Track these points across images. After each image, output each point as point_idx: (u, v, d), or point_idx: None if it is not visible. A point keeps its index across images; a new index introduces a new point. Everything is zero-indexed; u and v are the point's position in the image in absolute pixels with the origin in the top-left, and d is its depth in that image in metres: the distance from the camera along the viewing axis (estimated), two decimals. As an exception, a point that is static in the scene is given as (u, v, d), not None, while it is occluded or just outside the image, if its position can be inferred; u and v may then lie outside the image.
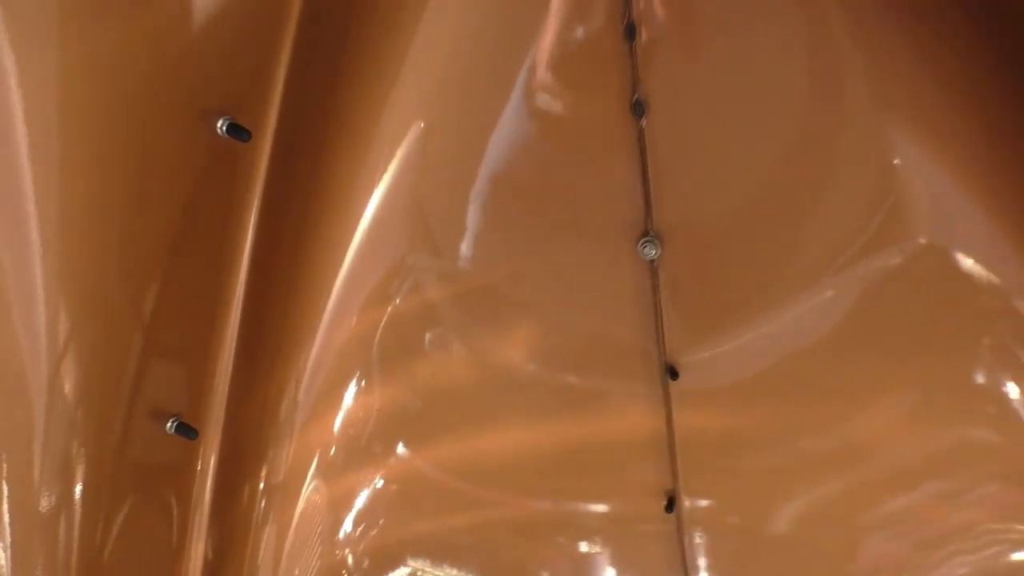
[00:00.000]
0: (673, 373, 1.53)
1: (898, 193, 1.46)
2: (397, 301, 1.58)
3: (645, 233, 1.50)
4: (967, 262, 1.50)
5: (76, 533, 1.45)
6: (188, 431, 1.54)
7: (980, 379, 1.58)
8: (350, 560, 1.79)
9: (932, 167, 1.46)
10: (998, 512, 1.66)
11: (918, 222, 1.49)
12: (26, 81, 1.10)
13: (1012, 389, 1.56)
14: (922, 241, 1.50)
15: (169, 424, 1.54)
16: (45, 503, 1.40)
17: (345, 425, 1.68)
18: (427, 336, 1.62)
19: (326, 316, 1.56)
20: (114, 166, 1.26)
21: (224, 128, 1.36)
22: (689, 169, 1.47)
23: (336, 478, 1.73)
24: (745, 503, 1.64)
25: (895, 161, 1.44)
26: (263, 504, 1.70)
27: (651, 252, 1.49)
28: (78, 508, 1.44)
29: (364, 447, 1.72)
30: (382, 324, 1.60)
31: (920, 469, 1.66)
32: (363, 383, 1.66)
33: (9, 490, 1.36)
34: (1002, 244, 1.46)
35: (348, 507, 1.75)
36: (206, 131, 1.36)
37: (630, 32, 1.36)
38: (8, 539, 1.36)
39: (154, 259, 1.42)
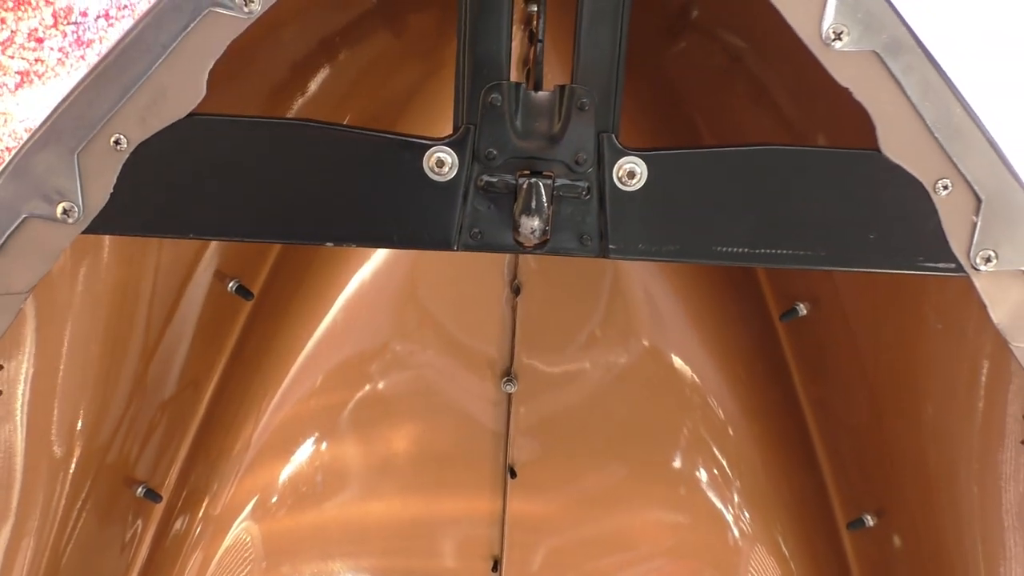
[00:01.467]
0: (512, 473, 2.20)
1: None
2: (335, 393, 2.16)
3: (507, 372, 2.19)
4: (676, 361, 2.21)
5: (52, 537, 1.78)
6: (154, 496, 2.00)
7: (677, 464, 2.25)
8: None
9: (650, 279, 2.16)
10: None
11: (641, 326, 2.19)
12: None
13: (701, 473, 2.24)
14: (645, 343, 2.22)
15: (139, 490, 1.98)
16: (30, 525, 1.76)
17: (282, 486, 2.19)
18: (346, 423, 2.20)
19: (286, 383, 2.11)
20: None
21: (234, 289, 1.96)
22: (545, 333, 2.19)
23: (268, 522, 2.20)
24: (541, 566, 2.29)
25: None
26: (197, 531, 2.13)
27: (509, 388, 2.18)
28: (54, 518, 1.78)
29: (296, 499, 2.22)
30: (325, 409, 2.16)
31: (625, 542, 2.31)
32: (301, 454, 2.19)
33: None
34: (699, 348, 2.17)
35: (272, 549, 2.22)
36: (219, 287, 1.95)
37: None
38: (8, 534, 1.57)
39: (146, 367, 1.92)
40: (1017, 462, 1.46)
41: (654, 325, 2.22)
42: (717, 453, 2.24)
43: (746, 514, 2.24)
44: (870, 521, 1.92)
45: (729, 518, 2.25)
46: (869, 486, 1.96)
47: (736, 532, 2.25)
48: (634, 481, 2.31)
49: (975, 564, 1.67)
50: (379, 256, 2.09)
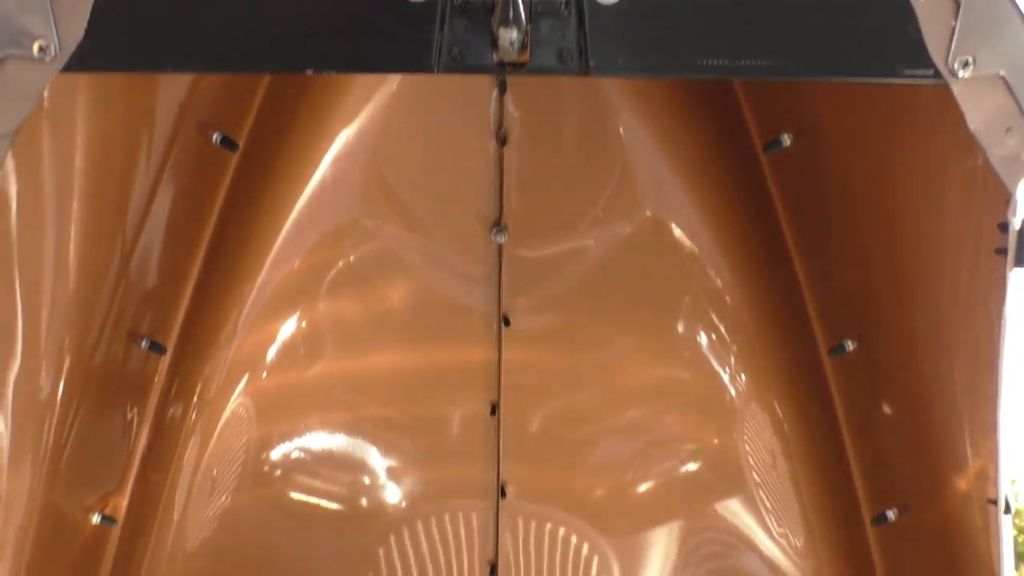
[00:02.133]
0: (506, 321, 2.25)
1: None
2: (327, 252, 2.18)
3: (497, 223, 2.21)
4: (676, 232, 2.21)
5: (54, 424, 1.83)
6: (159, 348, 2.06)
7: (680, 328, 2.32)
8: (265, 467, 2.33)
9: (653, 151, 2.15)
10: (681, 431, 2.43)
11: (644, 196, 2.21)
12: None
13: (702, 337, 2.31)
14: (648, 213, 2.22)
15: (144, 342, 2.04)
16: (41, 392, 1.82)
17: (276, 353, 2.24)
18: (341, 281, 2.23)
19: (271, 256, 2.13)
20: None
21: (218, 141, 1.97)
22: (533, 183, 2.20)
23: (266, 383, 2.27)
24: (540, 411, 2.38)
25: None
26: (193, 415, 2.20)
27: (500, 238, 2.21)
28: (59, 402, 1.83)
29: (294, 359, 2.28)
30: (316, 270, 2.19)
31: (637, 395, 2.40)
32: (295, 318, 2.23)
33: (17, 377, 1.66)
34: (696, 217, 2.18)
35: (267, 423, 2.31)
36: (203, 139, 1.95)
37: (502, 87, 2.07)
38: (10, 420, 1.64)
39: (144, 212, 1.94)
40: (992, 271, 1.50)
41: (645, 174, 2.23)
42: (714, 318, 2.29)
43: (742, 376, 2.32)
44: (850, 346, 2.00)
45: (726, 378, 2.33)
46: (851, 315, 2.03)
47: (733, 392, 2.34)
48: (628, 330, 2.38)
49: (958, 380, 1.74)
50: (366, 109, 2.06)
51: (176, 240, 2.08)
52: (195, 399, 2.21)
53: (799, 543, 2.33)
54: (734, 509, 2.38)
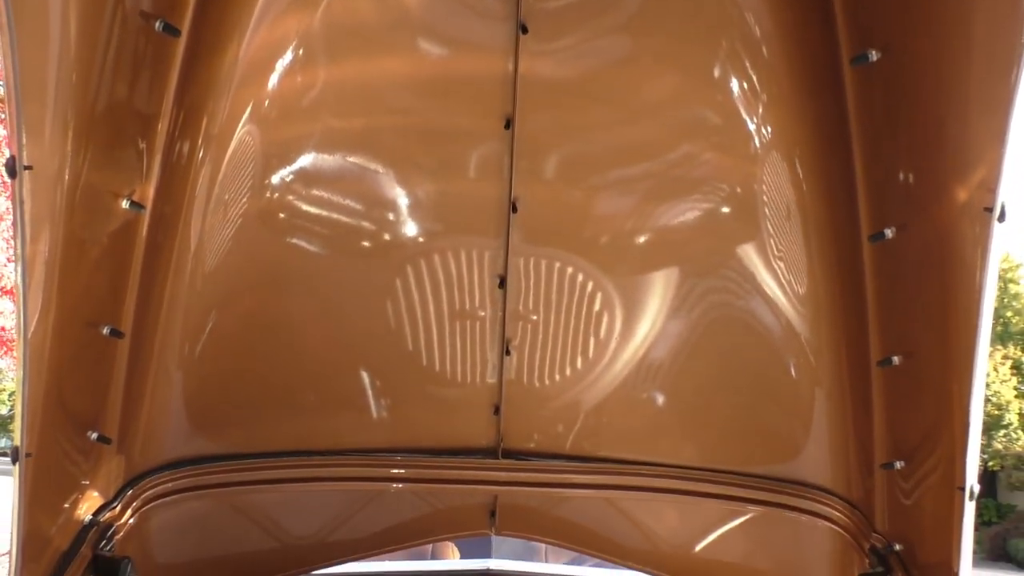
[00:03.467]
0: (524, 29, 2.19)
1: None
2: None
3: None
4: None
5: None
6: (172, 30, 2.02)
7: (716, 72, 2.28)
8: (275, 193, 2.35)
9: None
10: (713, 173, 2.48)
11: None
12: None
13: (734, 83, 2.27)
14: None
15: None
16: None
17: (277, 83, 2.19)
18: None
19: None
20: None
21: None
22: None
23: (267, 128, 2.26)
24: (554, 128, 2.37)
25: None
26: (201, 152, 2.20)
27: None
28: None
29: (292, 102, 2.25)
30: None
31: (659, 125, 2.37)
32: (298, 47, 2.17)
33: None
34: None
35: (274, 154, 2.29)
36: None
37: None
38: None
39: None
40: None
41: None
42: (748, 66, 2.21)
43: (768, 129, 2.27)
44: (873, 56, 1.95)
45: (752, 127, 2.28)
46: (879, 20, 1.96)
47: (757, 142, 2.30)
48: (657, 56, 2.30)
49: (973, 85, 1.72)
50: None
51: None
52: (202, 129, 2.20)
53: (802, 289, 2.42)
54: (742, 254, 2.44)
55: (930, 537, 2.21)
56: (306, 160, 2.36)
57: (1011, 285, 33.94)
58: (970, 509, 1.92)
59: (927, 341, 2.14)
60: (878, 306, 2.27)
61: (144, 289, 2.25)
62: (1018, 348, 34.74)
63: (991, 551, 30.25)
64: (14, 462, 1.82)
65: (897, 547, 2.37)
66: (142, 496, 2.48)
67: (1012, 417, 32.97)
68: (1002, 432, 32.56)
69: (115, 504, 2.39)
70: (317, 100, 2.30)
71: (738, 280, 2.46)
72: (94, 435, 2.25)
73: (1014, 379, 33.69)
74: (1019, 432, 33.14)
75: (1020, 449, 32.40)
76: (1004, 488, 34.10)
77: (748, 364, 2.60)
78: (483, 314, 2.49)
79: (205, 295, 2.41)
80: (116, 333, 2.21)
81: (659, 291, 2.52)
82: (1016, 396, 33.67)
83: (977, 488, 1.91)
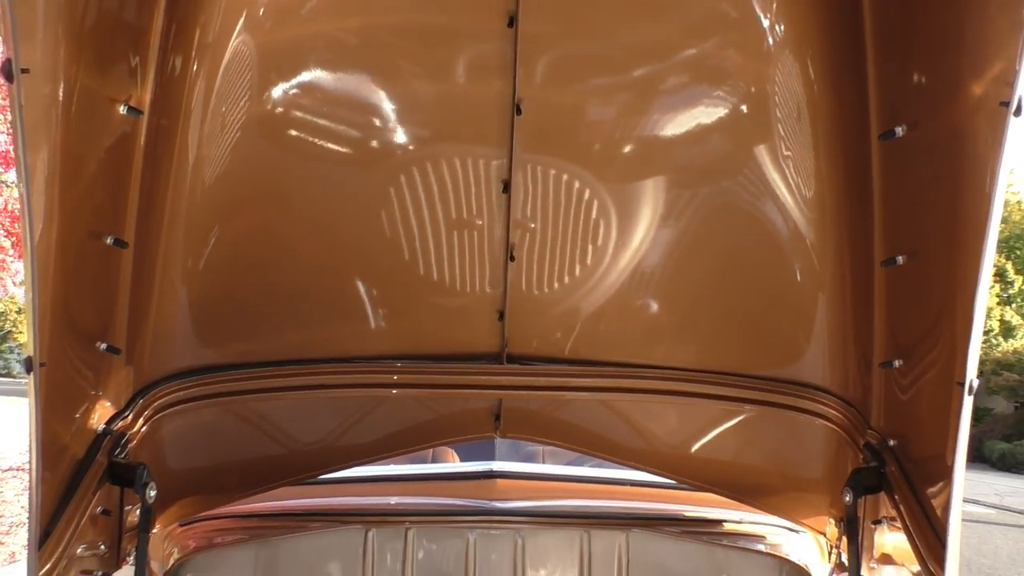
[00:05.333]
0: None
1: None
2: None
3: None
4: None
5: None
6: None
7: None
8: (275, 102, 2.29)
9: None
10: (725, 72, 2.36)
11: None
12: None
13: None
14: None
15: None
16: None
17: None
18: None
19: None
20: None
21: None
22: None
23: (262, 37, 2.19)
24: (559, 26, 2.28)
25: None
26: (196, 63, 2.15)
27: None
28: None
29: (286, 7, 2.17)
30: None
31: (669, 18, 2.29)
32: None
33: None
34: None
35: (270, 62, 2.23)
36: None
37: None
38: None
39: None
40: None
41: None
42: None
43: (781, 27, 2.21)
44: None
45: (766, 24, 2.21)
46: None
47: (771, 40, 2.24)
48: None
49: None
50: None
51: None
52: (195, 39, 2.14)
53: (809, 191, 2.41)
54: (750, 156, 2.40)
55: (926, 432, 2.28)
56: (303, 67, 2.30)
57: (998, 192, 33.97)
58: (968, 404, 1.97)
59: (933, 240, 2.15)
60: (884, 206, 2.28)
61: (145, 200, 2.23)
62: (1002, 256, 35.14)
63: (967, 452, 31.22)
64: (28, 372, 1.83)
65: (892, 443, 2.44)
66: (152, 405, 2.52)
67: (994, 324, 33.65)
68: (984, 339, 33.17)
69: (127, 413, 2.43)
70: (312, 4, 2.24)
71: (744, 183, 2.45)
72: (103, 346, 2.26)
73: (996, 286, 34.22)
74: (999, 339, 33.87)
75: (999, 355, 33.17)
76: (983, 393, 35.05)
77: (750, 267, 2.61)
78: (487, 219, 2.48)
79: (206, 207, 2.39)
80: (119, 243, 2.20)
81: (663, 195, 2.51)
82: (998, 303, 34.26)
83: (976, 383, 1.95)
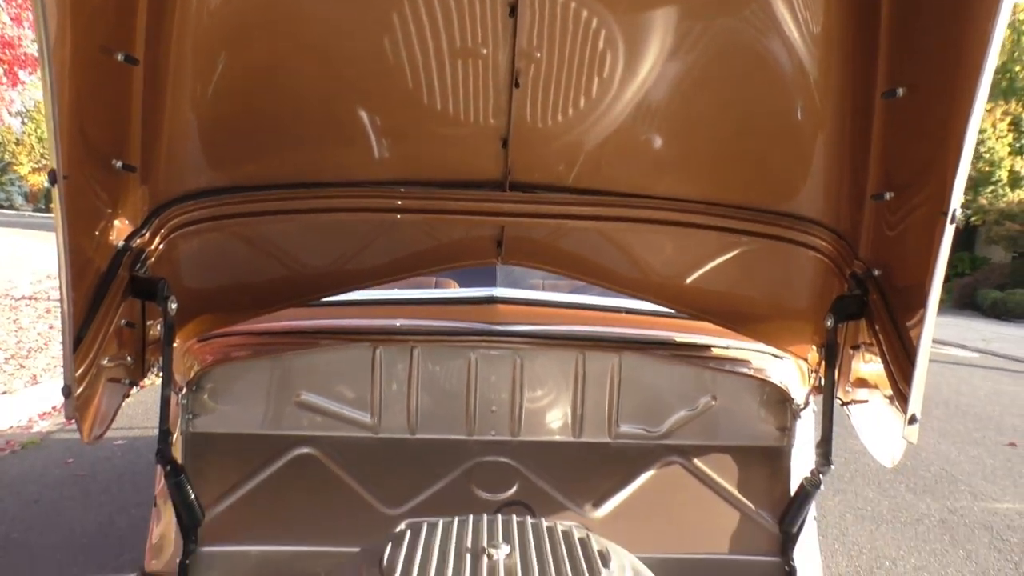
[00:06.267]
0: None
1: None
2: None
3: None
4: None
5: None
6: None
7: None
8: None
9: None
10: None
11: None
12: None
13: None
14: None
15: None
16: None
17: None
18: None
19: None
20: None
21: None
22: None
23: None
24: None
25: None
26: None
27: None
28: None
29: None
30: None
31: None
32: None
33: None
34: None
35: None
36: None
37: None
38: None
39: None
40: None
41: None
42: None
43: None
44: None
45: None
46: None
47: None
48: None
49: None
50: None
51: None
52: None
53: (817, 26, 2.37)
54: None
55: (910, 261, 2.38)
56: None
57: (1023, 38, 32.75)
58: (949, 232, 2.06)
59: (934, 74, 2.17)
60: (890, 39, 2.27)
61: (153, 18, 2.24)
62: (1019, 104, 34.27)
63: (959, 299, 31.87)
64: (52, 184, 1.92)
65: (876, 272, 2.56)
66: (168, 224, 2.62)
67: (1002, 174, 33.33)
68: (990, 188, 33.04)
69: (144, 231, 2.53)
70: None
71: (753, 18, 2.42)
72: (119, 163, 2.33)
73: (1010, 135, 33.60)
74: (1006, 189, 33.64)
75: (1004, 205, 33.08)
76: (982, 243, 35.28)
77: (754, 103, 2.63)
78: (492, 45, 2.47)
79: (212, 30, 2.39)
80: (131, 60, 2.22)
81: (672, 28, 2.49)
82: (1009, 153, 33.76)
83: (960, 212, 2.03)
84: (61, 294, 2.08)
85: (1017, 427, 11.42)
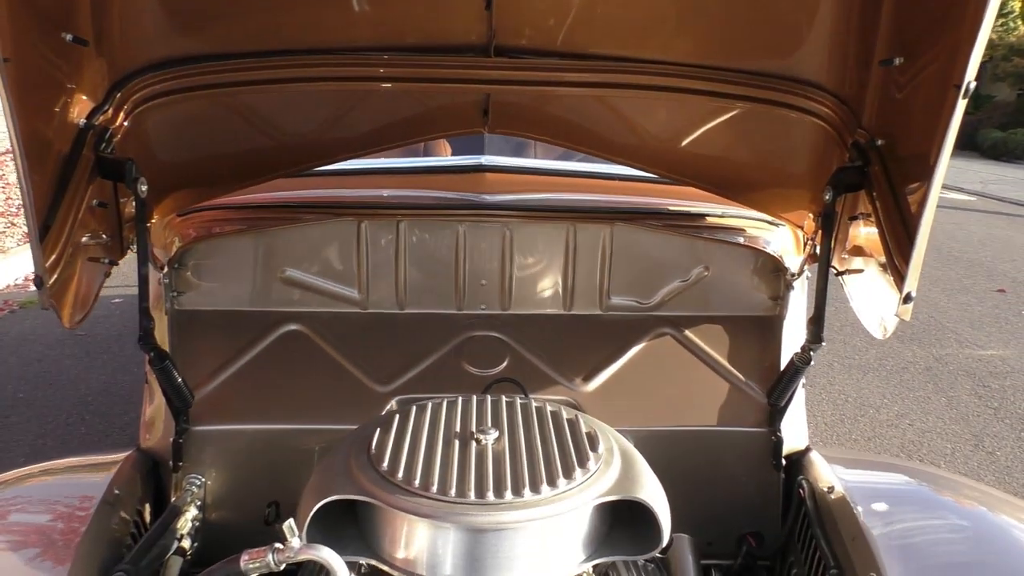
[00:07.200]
0: None
1: None
2: None
3: None
4: None
5: None
6: None
7: None
8: None
9: None
10: None
11: None
12: None
13: None
14: None
15: None
16: None
17: None
18: None
19: None
20: None
21: None
22: None
23: None
24: None
25: None
26: None
27: None
28: None
29: None
30: None
31: None
32: None
33: None
34: None
35: None
36: None
37: None
38: None
39: None
40: None
41: None
42: None
43: None
44: None
45: None
46: None
47: None
48: None
49: None
50: None
51: None
52: None
53: None
54: None
55: (915, 131, 2.26)
56: None
57: None
58: (960, 107, 1.94)
59: None
60: None
61: None
62: (1039, -72, 32.43)
63: (958, 139, 31.40)
64: (-8, 66, 1.77)
65: (879, 142, 2.44)
66: (131, 99, 2.47)
67: (1015, 5, 32.00)
68: (1000, 21, 31.84)
69: (106, 107, 2.39)
70: None
71: None
72: (68, 36, 2.16)
73: (1027, -36, 32.00)
74: (1017, 21, 32.42)
75: (1014, 39, 31.99)
76: (987, 79, 34.34)
77: None
78: None
79: None
80: None
81: None
82: (1024, -17, 32.29)
83: (973, 85, 1.90)
84: (20, 183, 1.98)
85: (1007, 273, 11.54)
